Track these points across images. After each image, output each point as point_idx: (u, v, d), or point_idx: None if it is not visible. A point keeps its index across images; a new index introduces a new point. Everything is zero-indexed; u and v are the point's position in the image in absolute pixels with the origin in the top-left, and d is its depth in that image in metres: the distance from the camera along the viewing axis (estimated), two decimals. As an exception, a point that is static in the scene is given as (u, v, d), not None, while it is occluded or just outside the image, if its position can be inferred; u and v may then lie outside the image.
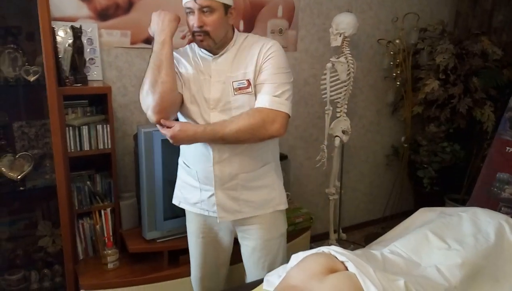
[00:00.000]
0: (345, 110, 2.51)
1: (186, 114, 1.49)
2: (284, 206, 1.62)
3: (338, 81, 2.43)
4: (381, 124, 3.21)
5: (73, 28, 1.86)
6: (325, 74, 2.40)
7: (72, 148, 1.88)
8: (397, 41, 2.83)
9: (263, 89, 1.41)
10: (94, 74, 2.05)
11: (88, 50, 2.00)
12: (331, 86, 2.42)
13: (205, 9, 1.34)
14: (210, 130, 1.38)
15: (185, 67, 1.47)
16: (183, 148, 1.60)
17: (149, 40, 2.16)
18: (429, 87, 2.80)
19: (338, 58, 2.41)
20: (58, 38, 1.89)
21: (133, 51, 2.15)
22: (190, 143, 1.46)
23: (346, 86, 2.45)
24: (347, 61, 2.41)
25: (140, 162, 1.90)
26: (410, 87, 2.94)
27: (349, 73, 2.43)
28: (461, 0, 3.21)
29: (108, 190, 2.04)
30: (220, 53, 1.45)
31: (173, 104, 1.41)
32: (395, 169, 3.30)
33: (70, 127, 1.86)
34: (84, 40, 1.94)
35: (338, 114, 2.52)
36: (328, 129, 2.53)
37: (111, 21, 2.06)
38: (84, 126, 1.89)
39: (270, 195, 1.58)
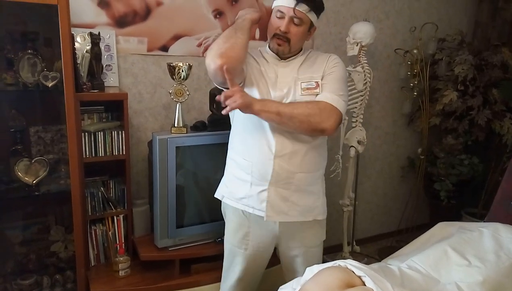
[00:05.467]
0: (361, 120, 2.48)
1: None
2: (323, 216, 1.65)
3: (354, 91, 2.40)
4: (397, 135, 3.16)
5: (91, 34, 1.88)
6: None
7: (87, 153, 1.88)
8: (415, 51, 2.78)
9: (325, 88, 1.49)
10: (111, 80, 2.06)
11: (105, 56, 2.01)
12: (347, 96, 2.40)
13: (296, 20, 1.45)
14: (270, 101, 1.44)
15: (254, 62, 1.56)
16: (238, 139, 1.61)
17: (165, 48, 2.17)
18: (447, 98, 2.75)
19: (354, 67, 2.39)
20: (76, 44, 1.90)
21: (149, 58, 2.16)
22: (247, 111, 1.41)
23: (362, 96, 2.42)
24: (364, 71, 2.38)
25: (154, 169, 1.90)
26: (427, 98, 2.89)
27: (366, 83, 2.40)
28: (481, 10, 3.16)
29: (122, 196, 2.04)
30: (289, 59, 1.55)
31: (239, 61, 1.42)
32: (410, 181, 3.23)
33: (86, 133, 1.87)
34: (102, 46, 1.95)
35: (353, 124, 2.49)
36: (343, 139, 2.50)
37: (128, 28, 2.07)
38: (99, 132, 1.90)
39: (315, 203, 1.61)
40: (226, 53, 1.37)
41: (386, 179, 3.21)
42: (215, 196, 1.71)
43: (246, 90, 1.47)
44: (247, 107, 1.40)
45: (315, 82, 1.50)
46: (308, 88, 1.49)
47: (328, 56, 1.57)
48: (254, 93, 1.50)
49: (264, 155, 1.50)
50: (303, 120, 1.41)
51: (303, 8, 1.44)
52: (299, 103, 1.45)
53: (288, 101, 1.49)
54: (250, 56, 1.57)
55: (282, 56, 1.54)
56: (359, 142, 2.50)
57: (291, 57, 1.55)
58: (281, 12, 1.45)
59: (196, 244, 2.04)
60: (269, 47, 1.58)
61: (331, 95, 1.46)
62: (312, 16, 1.48)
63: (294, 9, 1.43)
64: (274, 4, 1.50)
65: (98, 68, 1.92)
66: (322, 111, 1.43)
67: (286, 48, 1.49)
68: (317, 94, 1.49)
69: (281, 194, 1.53)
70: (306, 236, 1.64)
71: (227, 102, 1.38)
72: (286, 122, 1.43)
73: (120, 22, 2.05)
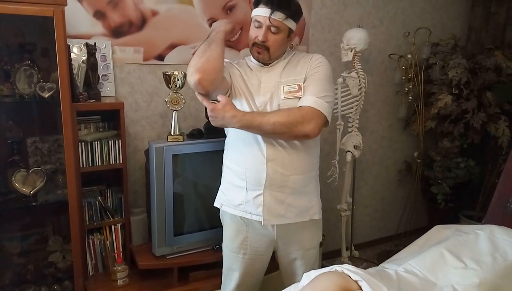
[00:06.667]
0: (357, 125, 2.49)
1: None
2: (319, 215, 1.66)
3: (350, 96, 2.42)
4: (393, 139, 3.17)
5: (87, 45, 1.89)
6: (336, 89, 2.39)
7: (84, 163, 1.89)
8: (409, 56, 2.81)
9: (307, 90, 1.49)
10: (107, 90, 2.07)
11: (101, 66, 2.03)
12: (342, 101, 2.42)
13: (273, 28, 1.47)
14: (248, 117, 1.44)
15: (237, 72, 1.58)
16: (232, 146, 1.63)
17: (161, 57, 2.19)
18: (442, 102, 2.77)
19: (349, 73, 2.41)
20: (73, 55, 1.92)
21: (145, 67, 2.17)
22: (225, 126, 1.52)
23: (357, 101, 2.44)
24: (358, 76, 2.40)
25: (151, 177, 1.90)
26: (422, 102, 2.92)
27: (361, 88, 2.42)
28: (474, 15, 3.20)
29: (119, 205, 2.04)
30: (271, 64, 1.56)
31: (216, 72, 1.42)
32: (408, 185, 3.25)
33: (83, 143, 1.88)
34: (98, 57, 1.97)
35: (349, 129, 2.50)
36: (340, 144, 2.51)
37: (124, 38, 2.09)
38: (96, 142, 1.91)
39: (310, 202, 1.62)
40: (203, 67, 1.40)
41: (384, 183, 3.22)
42: (215, 205, 1.71)
43: (233, 101, 1.50)
44: (225, 123, 1.46)
45: (297, 85, 1.50)
46: (290, 92, 1.50)
47: (310, 56, 1.57)
48: (241, 103, 1.54)
49: (256, 159, 1.52)
50: (284, 131, 1.43)
51: (279, 16, 1.44)
52: (280, 112, 1.46)
53: (272, 106, 1.51)
54: (234, 67, 1.59)
55: (267, 62, 1.56)
56: (355, 147, 2.51)
57: (274, 62, 1.56)
58: (258, 21, 1.48)
59: (194, 251, 2.05)
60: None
61: (313, 98, 1.46)
62: (289, 23, 1.49)
63: (269, 18, 1.44)
64: (253, 14, 1.51)
65: (95, 78, 1.93)
66: (304, 117, 1.43)
67: (266, 56, 1.51)
68: (300, 98, 1.49)
69: (276, 197, 1.54)
70: (303, 238, 1.65)
71: (210, 118, 1.48)
72: (269, 132, 1.46)
73: (116, 32, 2.07)
